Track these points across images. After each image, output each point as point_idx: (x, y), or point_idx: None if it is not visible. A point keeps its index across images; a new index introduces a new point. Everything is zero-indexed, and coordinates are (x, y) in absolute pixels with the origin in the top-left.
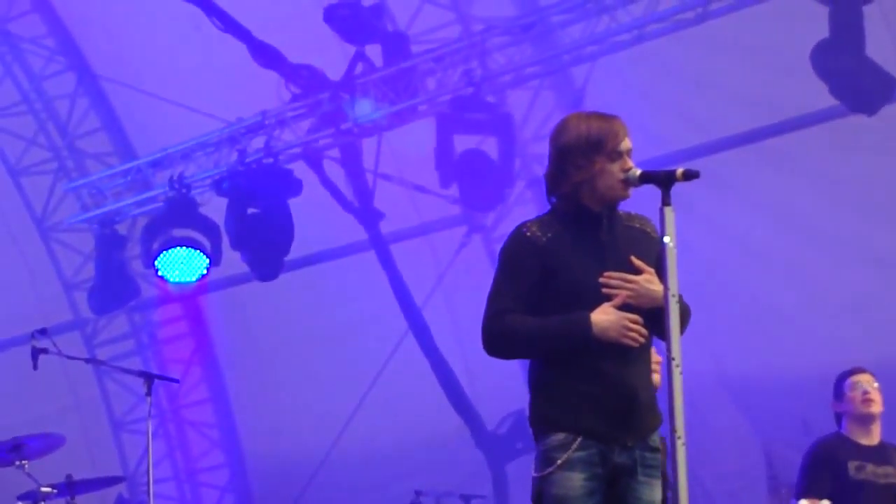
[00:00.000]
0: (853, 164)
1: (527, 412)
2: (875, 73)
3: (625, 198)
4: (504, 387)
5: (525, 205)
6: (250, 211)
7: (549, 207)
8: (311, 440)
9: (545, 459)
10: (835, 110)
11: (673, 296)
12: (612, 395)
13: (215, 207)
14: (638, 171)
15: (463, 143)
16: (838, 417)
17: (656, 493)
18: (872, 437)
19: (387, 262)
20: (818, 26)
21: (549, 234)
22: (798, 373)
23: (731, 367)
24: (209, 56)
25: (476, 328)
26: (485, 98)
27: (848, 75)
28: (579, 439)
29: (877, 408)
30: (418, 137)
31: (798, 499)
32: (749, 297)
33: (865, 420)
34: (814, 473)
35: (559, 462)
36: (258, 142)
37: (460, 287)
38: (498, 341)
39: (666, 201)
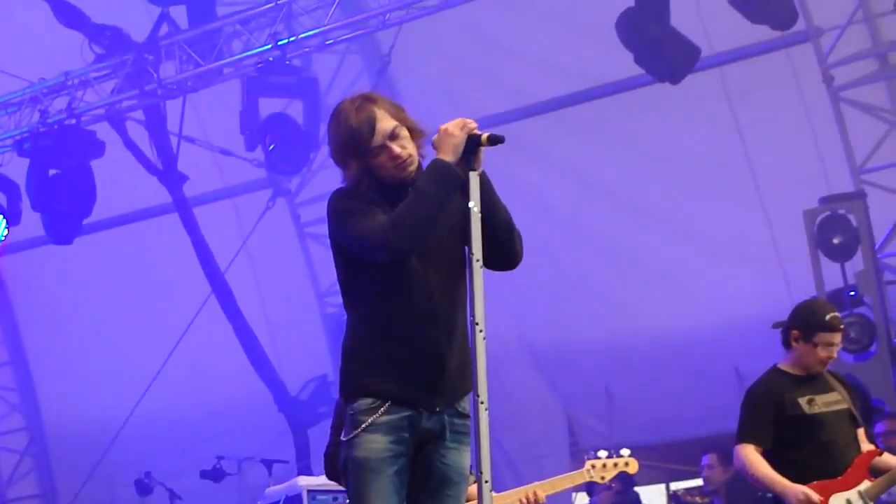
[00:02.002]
0: (658, 131)
1: (329, 377)
2: (679, 42)
3: (405, 178)
4: (307, 352)
5: (330, 169)
6: (52, 172)
7: None
8: (111, 404)
9: (352, 423)
10: (639, 79)
11: (477, 260)
12: (422, 360)
13: (16, 168)
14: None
15: (268, 106)
16: (788, 344)
17: (465, 458)
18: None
19: (190, 226)
20: None
21: (370, 193)
22: (600, 340)
23: (535, 335)
24: (11, 15)
25: (278, 293)
26: (291, 62)
27: (653, 44)
28: (387, 404)
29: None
30: (223, 100)
31: (739, 442)
32: (552, 264)
33: (811, 373)
34: (757, 414)
35: (364, 425)
36: (61, 102)
37: (264, 251)
38: (401, 229)
39: (471, 166)
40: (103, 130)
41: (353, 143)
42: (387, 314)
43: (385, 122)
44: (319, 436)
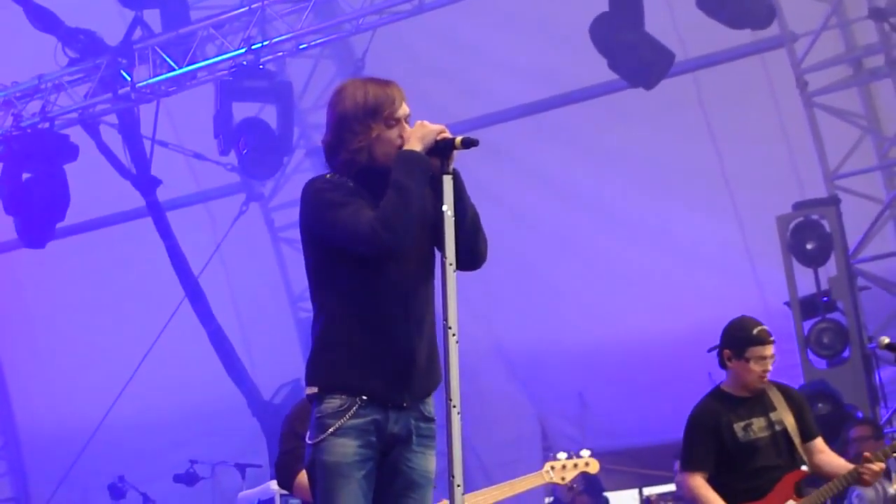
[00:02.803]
0: (631, 137)
1: (302, 382)
2: (653, 47)
3: None
4: (280, 356)
5: (303, 173)
6: (25, 176)
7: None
8: (84, 408)
9: (319, 426)
10: (613, 84)
11: (451, 264)
12: (391, 353)
13: None
14: None
15: (242, 110)
16: (723, 365)
17: (430, 463)
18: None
19: (164, 230)
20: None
21: (350, 184)
22: (574, 345)
23: (507, 339)
24: None
25: (252, 297)
26: (265, 66)
27: (627, 49)
28: (355, 407)
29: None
30: (197, 104)
31: (683, 471)
32: (525, 269)
33: (752, 391)
34: (697, 443)
35: (332, 429)
36: (34, 106)
37: (238, 255)
38: (390, 224)
39: (445, 169)
40: (77, 134)
41: (373, 106)
42: (359, 308)
43: (406, 105)
44: None
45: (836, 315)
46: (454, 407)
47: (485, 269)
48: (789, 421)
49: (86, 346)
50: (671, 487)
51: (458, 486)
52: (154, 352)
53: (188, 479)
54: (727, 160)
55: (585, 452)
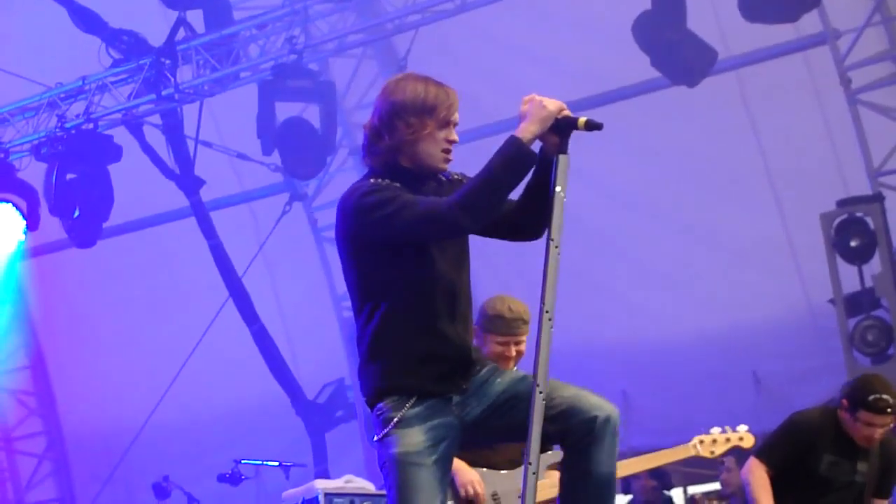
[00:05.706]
0: (674, 134)
1: (346, 381)
2: (696, 45)
3: (441, 170)
4: (324, 356)
5: (347, 172)
6: (69, 176)
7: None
8: (129, 408)
9: (381, 423)
10: (656, 82)
11: (556, 246)
12: (445, 351)
13: (34, 173)
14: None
15: (285, 110)
16: (841, 408)
17: (512, 374)
18: None
19: (207, 230)
20: None
21: (396, 184)
22: (617, 342)
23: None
24: (29, 19)
25: (295, 297)
26: (307, 66)
27: (669, 47)
28: (413, 398)
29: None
30: (240, 104)
31: (755, 455)
32: (568, 266)
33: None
34: (783, 442)
35: (395, 420)
36: (78, 107)
37: (281, 254)
38: (472, 210)
39: (562, 148)
40: (120, 135)
41: (432, 104)
42: (408, 312)
43: (457, 114)
44: (336, 439)
45: (880, 312)
46: (540, 393)
47: (528, 266)
48: (872, 472)
49: (130, 346)
50: (716, 486)
51: (534, 473)
52: (198, 352)
53: (232, 478)
54: (770, 158)
55: (742, 427)
